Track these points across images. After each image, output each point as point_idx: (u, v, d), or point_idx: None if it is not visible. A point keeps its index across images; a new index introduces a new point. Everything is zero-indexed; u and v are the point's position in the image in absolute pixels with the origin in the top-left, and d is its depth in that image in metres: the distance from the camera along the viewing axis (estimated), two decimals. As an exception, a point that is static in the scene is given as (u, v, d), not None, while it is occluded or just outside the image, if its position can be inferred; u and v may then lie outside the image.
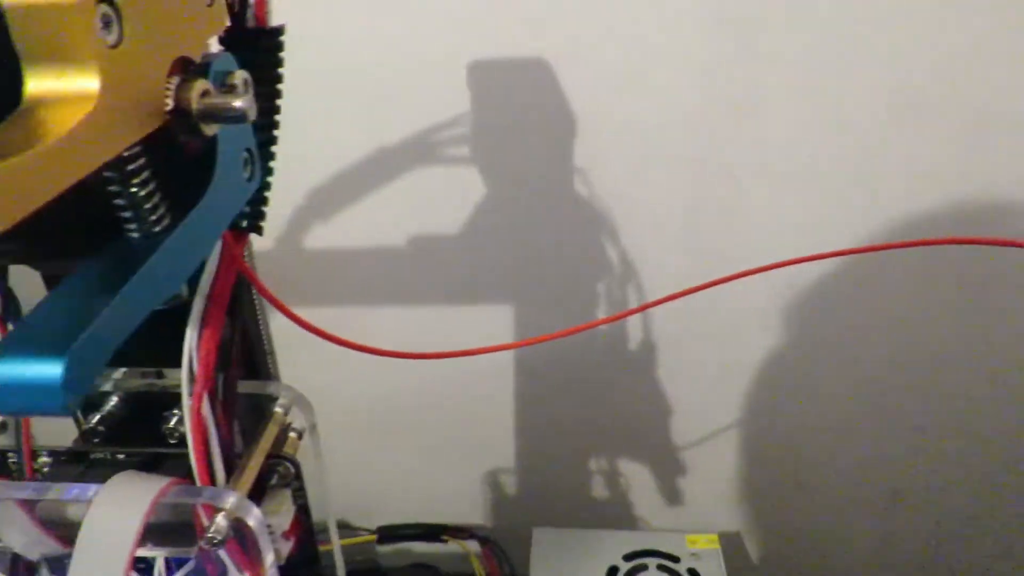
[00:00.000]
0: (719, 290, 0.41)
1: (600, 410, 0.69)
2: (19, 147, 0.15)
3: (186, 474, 0.26)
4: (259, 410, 0.31)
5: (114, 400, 0.29)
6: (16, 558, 0.27)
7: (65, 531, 0.27)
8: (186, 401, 0.26)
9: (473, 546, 0.68)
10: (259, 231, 0.27)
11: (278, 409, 0.30)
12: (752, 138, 0.55)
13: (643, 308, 0.62)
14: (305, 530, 0.32)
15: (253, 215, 0.27)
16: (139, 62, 0.18)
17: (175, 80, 0.19)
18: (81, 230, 0.20)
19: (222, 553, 0.26)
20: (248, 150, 0.24)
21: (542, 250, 0.61)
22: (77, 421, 0.30)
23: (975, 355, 0.64)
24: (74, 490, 0.26)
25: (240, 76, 0.22)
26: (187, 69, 0.20)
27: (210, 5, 0.22)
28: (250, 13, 0.26)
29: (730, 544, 0.68)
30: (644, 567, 0.62)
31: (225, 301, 0.26)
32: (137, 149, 0.19)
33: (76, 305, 0.17)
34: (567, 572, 0.62)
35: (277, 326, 0.33)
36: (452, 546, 0.69)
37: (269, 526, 0.28)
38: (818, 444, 0.70)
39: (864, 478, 0.71)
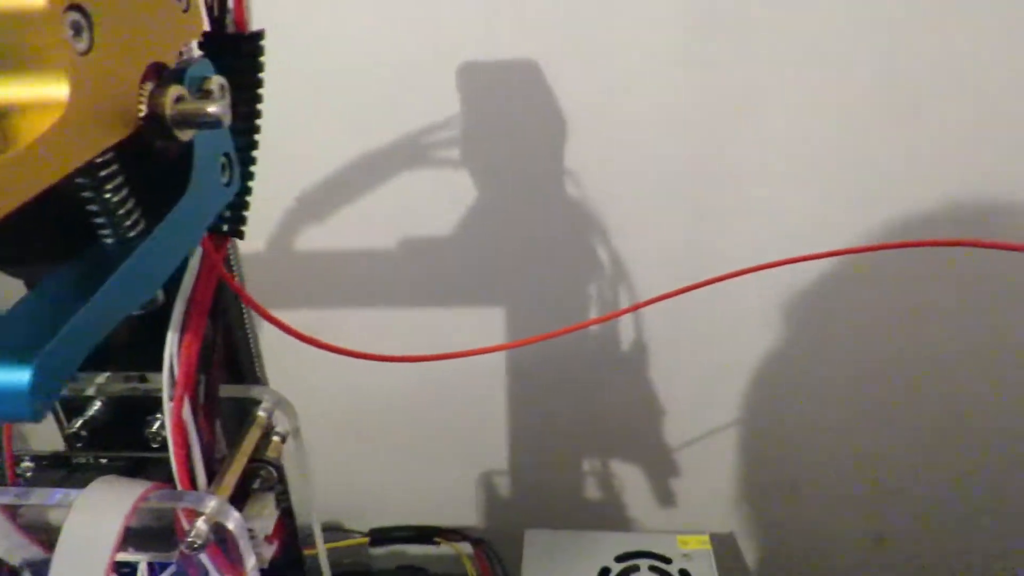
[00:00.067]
0: (713, 291, 0.41)
1: (592, 411, 0.69)
2: (-13, 154, 0.15)
3: (168, 478, 0.26)
4: (244, 414, 0.31)
5: (97, 404, 0.29)
6: (-2, 563, 0.28)
7: (47, 536, 0.27)
8: (167, 405, 0.26)
9: (465, 548, 0.68)
10: (240, 235, 0.27)
11: (261, 413, 0.30)
12: (750, 138, 0.55)
13: (635, 308, 0.62)
14: (289, 533, 0.32)
15: (234, 219, 0.27)
16: (111, 68, 0.18)
17: (149, 86, 0.19)
18: (55, 235, 0.20)
19: (203, 557, 0.26)
20: (227, 155, 0.24)
21: (536, 250, 0.61)
22: (60, 425, 0.30)
23: (974, 355, 0.64)
24: (56, 495, 0.26)
25: (216, 81, 0.22)
26: (162, 75, 0.20)
27: (186, 11, 0.22)
28: (229, 18, 0.26)
29: (722, 545, 0.68)
30: (636, 568, 0.63)
31: (206, 305, 0.26)
32: (110, 155, 0.19)
33: (47, 311, 0.17)
34: (559, 573, 0.62)
35: (267, 329, 0.33)
36: (444, 548, 0.69)
37: (251, 530, 0.28)
38: (812, 445, 0.70)
39: (858, 478, 0.71)
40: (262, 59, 0.26)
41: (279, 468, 0.30)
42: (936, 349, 0.63)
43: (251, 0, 0.26)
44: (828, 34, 0.52)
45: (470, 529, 0.70)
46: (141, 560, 0.28)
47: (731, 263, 0.41)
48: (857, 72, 0.53)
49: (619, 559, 0.63)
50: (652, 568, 0.62)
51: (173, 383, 0.26)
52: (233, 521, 0.25)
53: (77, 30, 0.17)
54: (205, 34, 0.25)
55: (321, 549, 0.33)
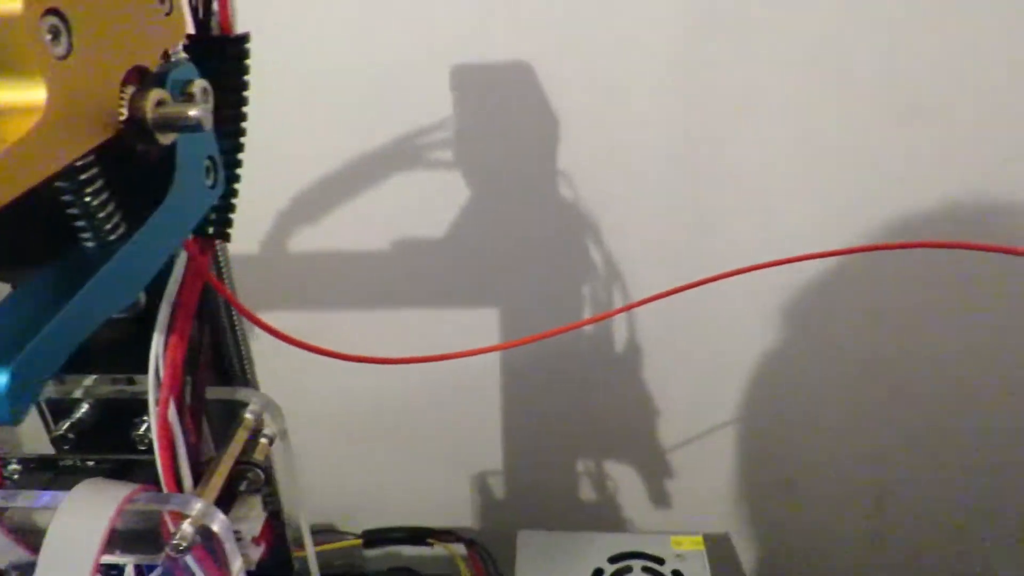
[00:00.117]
0: (709, 291, 0.41)
1: (586, 412, 0.69)
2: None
3: (155, 481, 0.26)
4: (233, 417, 0.31)
5: (84, 407, 0.29)
6: (-15, 565, 0.28)
7: (33, 538, 0.27)
8: (153, 408, 0.26)
9: (459, 549, 0.68)
10: (226, 237, 0.27)
11: (248, 415, 0.30)
12: (750, 138, 0.55)
13: (629, 307, 0.62)
14: (277, 535, 0.32)
15: (220, 221, 0.27)
16: (90, 72, 0.18)
17: (130, 89, 0.19)
18: (36, 238, 0.20)
19: (189, 559, 0.26)
20: (211, 157, 0.24)
21: (531, 251, 0.61)
22: (47, 428, 0.30)
23: (974, 355, 0.64)
24: (43, 497, 0.26)
25: (199, 85, 0.22)
26: (143, 78, 0.20)
27: (168, 14, 0.22)
28: (215, 21, 0.26)
29: (715, 546, 0.68)
30: (629, 569, 0.62)
31: (192, 308, 0.26)
32: (90, 158, 0.19)
33: (26, 314, 0.17)
34: (553, 574, 0.62)
35: (258, 330, 0.33)
36: (438, 549, 0.69)
37: (238, 532, 0.28)
38: (807, 445, 0.70)
39: (853, 479, 0.71)
40: (248, 62, 0.26)
41: (266, 470, 0.30)
42: (936, 349, 0.63)
43: (239, 2, 0.26)
44: (828, 34, 0.51)
45: (464, 530, 0.70)
46: (127, 562, 0.28)
47: (729, 263, 0.41)
48: (857, 72, 0.53)
49: (612, 560, 0.63)
50: (645, 569, 0.62)
51: (159, 386, 0.26)
52: (219, 523, 0.25)
53: (55, 34, 0.17)
54: (190, 37, 0.25)
55: (310, 551, 0.33)
